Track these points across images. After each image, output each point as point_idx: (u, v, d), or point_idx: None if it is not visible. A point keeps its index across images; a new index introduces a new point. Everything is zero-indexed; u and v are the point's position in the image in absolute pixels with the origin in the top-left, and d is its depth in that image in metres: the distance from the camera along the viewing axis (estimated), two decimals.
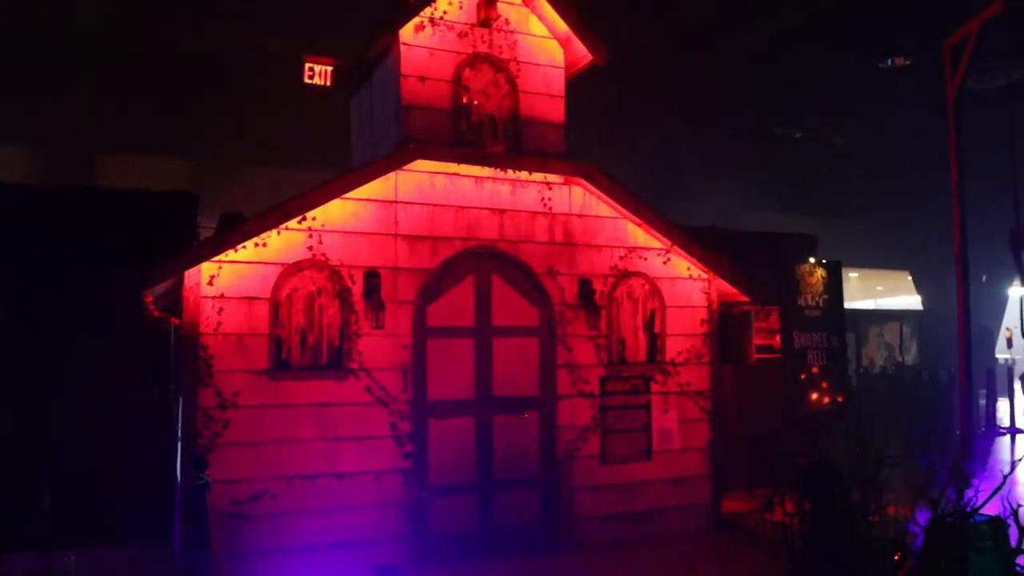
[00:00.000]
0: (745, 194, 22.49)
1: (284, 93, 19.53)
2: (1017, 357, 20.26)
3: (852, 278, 30.46)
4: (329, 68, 19.93)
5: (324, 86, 19.71)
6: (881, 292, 31.46)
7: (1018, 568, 4.43)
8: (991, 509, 5.02)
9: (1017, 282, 27.75)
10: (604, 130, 19.23)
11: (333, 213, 7.57)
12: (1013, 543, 4.57)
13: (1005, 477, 4.23)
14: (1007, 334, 19.28)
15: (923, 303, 24.92)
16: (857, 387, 19.61)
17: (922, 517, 4.62)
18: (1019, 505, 4.56)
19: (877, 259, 27.73)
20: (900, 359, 20.46)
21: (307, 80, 20.28)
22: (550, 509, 8.28)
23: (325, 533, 7.30)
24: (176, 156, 19.28)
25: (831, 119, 25.31)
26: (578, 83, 9.22)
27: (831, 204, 24.97)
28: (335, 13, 18.11)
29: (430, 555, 7.71)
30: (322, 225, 7.50)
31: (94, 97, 18.48)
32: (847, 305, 29.85)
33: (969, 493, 4.72)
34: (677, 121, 22.81)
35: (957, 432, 10.03)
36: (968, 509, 4.54)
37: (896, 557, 4.45)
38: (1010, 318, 22.21)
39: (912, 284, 26.58)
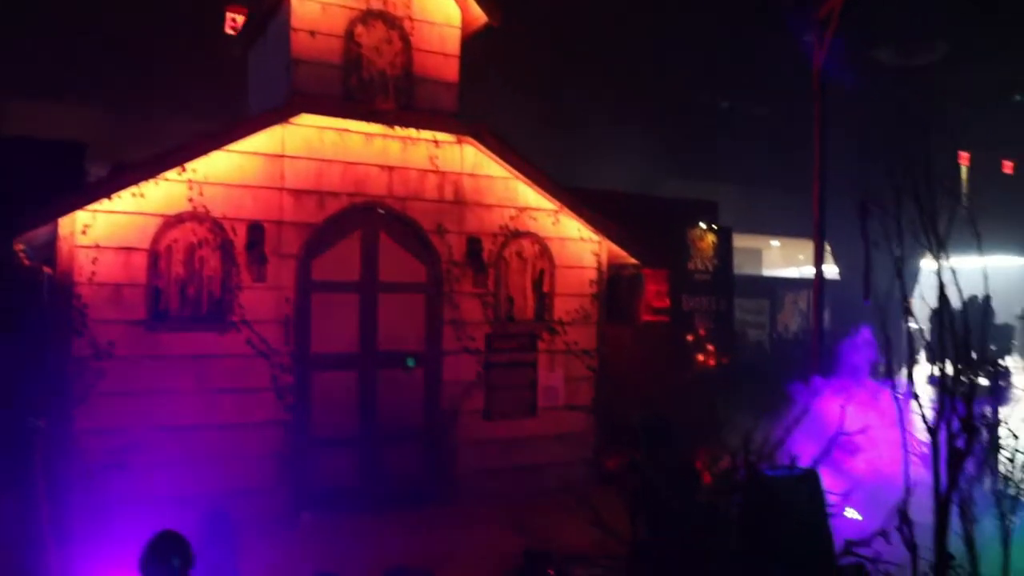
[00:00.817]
0: (669, 161, 22.75)
1: (201, 44, 19.10)
2: (919, 327, 20.95)
3: (774, 247, 31.09)
4: None
5: None
6: (803, 261, 32.08)
7: (829, 511, 4.69)
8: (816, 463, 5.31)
9: (928, 254, 28.62)
10: (516, 93, 19.22)
11: (217, 165, 7.53)
12: (826, 493, 4.84)
13: (799, 420, 4.47)
14: (907, 303, 19.92)
15: (840, 273, 25.59)
16: (771, 351, 20.17)
17: (746, 471, 4.84)
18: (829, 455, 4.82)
19: (800, 229, 28.32)
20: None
21: (228, 30, 19.84)
22: (433, 463, 8.44)
23: (204, 483, 7.34)
24: (86, 105, 18.77)
25: (759, 91, 25.65)
26: (486, 43, 9.25)
27: (755, 175, 25.39)
28: None
29: (312, 507, 7.83)
30: (205, 177, 7.46)
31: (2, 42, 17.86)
32: (768, 273, 30.42)
33: (794, 448, 4.97)
34: (598, 86, 22.88)
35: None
36: (789, 463, 4.78)
37: (719, 506, 4.68)
38: (925, 289, 22.99)
39: (831, 254, 27.22)
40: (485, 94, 12.63)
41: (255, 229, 7.64)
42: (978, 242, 4.13)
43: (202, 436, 7.39)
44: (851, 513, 5.69)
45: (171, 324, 7.35)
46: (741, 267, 27.08)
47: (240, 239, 7.59)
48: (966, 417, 3.74)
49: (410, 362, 8.34)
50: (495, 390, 8.76)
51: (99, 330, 7.05)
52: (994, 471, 4.25)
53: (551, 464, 8.96)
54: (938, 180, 4.01)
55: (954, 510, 3.88)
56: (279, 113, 7.76)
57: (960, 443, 3.74)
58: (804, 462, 5.20)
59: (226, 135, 7.50)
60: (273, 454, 7.69)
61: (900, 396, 4.06)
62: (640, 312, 9.36)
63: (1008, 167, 28.49)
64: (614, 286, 9.38)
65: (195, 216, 7.43)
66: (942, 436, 3.76)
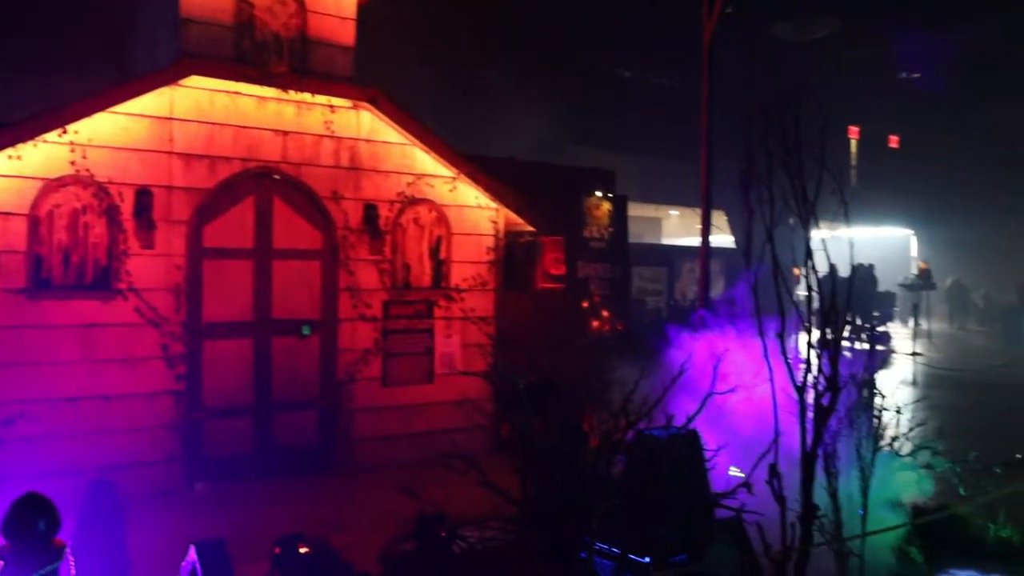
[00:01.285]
0: (570, 130, 22.96)
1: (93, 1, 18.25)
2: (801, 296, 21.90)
3: (673, 216, 31.78)
4: None
5: None
6: (700, 230, 32.91)
7: (709, 466, 4.90)
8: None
9: (821, 225, 29.75)
10: (416, 60, 19.08)
11: (101, 127, 7.26)
12: (706, 451, 5.07)
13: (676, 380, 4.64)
14: (797, 273, 20.75)
15: (735, 242, 26.39)
16: (668, 318, 20.68)
17: (629, 431, 5.00)
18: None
19: (699, 200, 28.96)
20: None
21: None
22: (330, 431, 8.43)
23: (92, 456, 7.16)
24: None
25: (663, 62, 26.04)
26: (385, 9, 9.14)
27: (655, 145, 25.84)
28: None
29: (205, 476, 7.74)
30: (88, 139, 7.19)
31: None
32: (668, 241, 31.06)
33: (677, 408, 5.15)
34: (500, 53, 22.88)
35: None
36: (666, 422, 4.95)
37: (602, 467, 4.81)
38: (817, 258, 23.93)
39: (727, 223, 28.01)
40: (383, 61, 12.48)
41: (143, 194, 7.42)
42: (845, 212, 4.35)
43: (89, 408, 7.20)
44: (734, 471, 5.96)
45: (54, 292, 7.10)
46: (642, 236, 27.64)
47: (127, 204, 7.37)
48: (831, 377, 3.96)
49: (306, 330, 8.27)
50: (392, 357, 8.78)
51: None
52: (862, 427, 4.51)
53: (449, 430, 9.02)
54: (808, 150, 4.19)
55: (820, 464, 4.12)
56: (167, 74, 7.53)
57: (825, 401, 3.96)
58: (684, 420, 5.41)
59: (110, 96, 7.23)
60: (165, 425, 7.55)
61: (774, 357, 4.26)
62: (537, 279, 9.48)
63: (894, 142, 29.83)
64: (511, 253, 9.48)
65: (78, 180, 7.16)
66: (809, 394, 3.97)
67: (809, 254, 4.33)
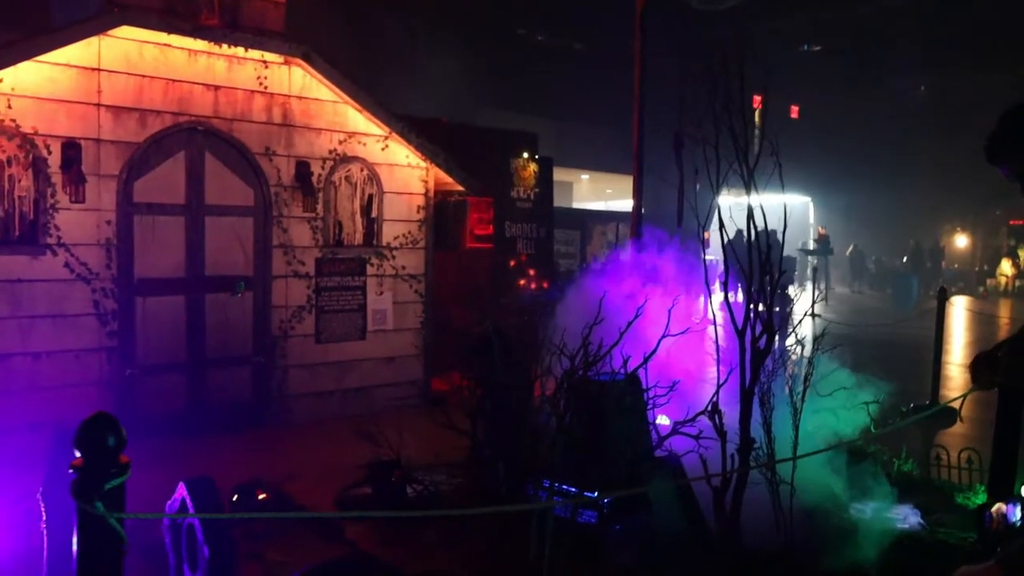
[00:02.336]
0: (484, 92, 23.05)
1: None
2: (713, 258, 22.76)
3: (584, 180, 32.26)
4: None
5: None
6: (611, 195, 33.55)
7: (650, 420, 5.22)
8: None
9: (724, 190, 30.76)
10: (332, 19, 18.86)
11: (26, 77, 7.06)
12: (647, 395, 5.39)
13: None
14: (706, 235, 21.48)
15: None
16: (579, 279, 21.11)
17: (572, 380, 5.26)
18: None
19: (608, 164, 29.51)
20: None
21: None
22: (263, 387, 8.48)
23: (21, 414, 7.05)
24: None
25: (574, 26, 26.29)
26: None
27: (568, 108, 26.15)
28: None
29: (139, 433, 7.63)
30: (12, 89, 6.99)
31: None
32: (577, 205, 31.54)
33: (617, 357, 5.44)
34: (427, 15, 22.77)
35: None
36: (610, 370, 5.23)
37: (546, 414, 5.06)
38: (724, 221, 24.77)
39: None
40: (299, 19, 12.31)
41: (70, 147, 7.27)
42: (779, 172, 4.66)
43: (17, 365, 7.08)
44: (662, 419, 6.32)
45: None
46: (554, 200, 28.01)
47: (55, 157, 7.21)
48: (767, 322, 4.31)
49: (239, 287, 8.27)
50: (325, 314, 8.85)
51: None
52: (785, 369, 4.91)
53: (382, 386, 9.21)
54: (739, 115, 4.49)
55: (756, 402, 4.48)
56: (95, 23, 7.34)
57: (761, 344, 4.31)
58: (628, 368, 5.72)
59: (35, 44, 7.02)
60: (96, 381, 7.48)
61: (719, 306, 4.59)
62: (465, 238, 9.67)
63: (795, 112, 30.90)
64: (441, 213, 9.63)
65: (3, 131, 6.96)
66: (747, 338, 4.31)
67: (716, 217, 4.67)
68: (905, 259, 29.54)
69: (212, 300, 8.17)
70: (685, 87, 4.96)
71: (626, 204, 32.21)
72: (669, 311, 5.25)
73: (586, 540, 4.70)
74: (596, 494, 4.71)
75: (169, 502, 3.74)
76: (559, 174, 30.16)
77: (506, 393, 5.05)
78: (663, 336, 5.08)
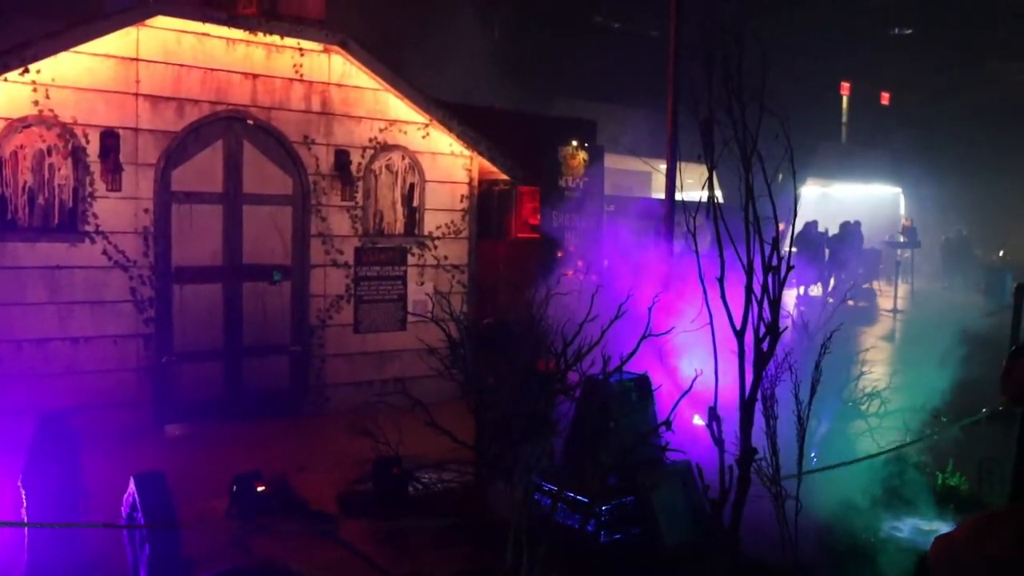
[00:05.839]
0: (559, 80, 22.75)
1: None
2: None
3: (662, 169, 31.56)
4: None
5: None
6: (691, 184, 32.84)
7: (658, 419, 4.96)
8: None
9: (810, 181, 29.73)
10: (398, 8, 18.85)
11: (66, 67, 7.17)
12: (656, 398, 5.13)
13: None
14: (780, 226, 20.79)
15: (722, 196, 26.31)
16: (618, 272, 20.74)
17: (580, 376, 5.02)
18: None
19: (687, 154, 28.81)
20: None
21: None
22: (301, 376, 8.47)
23: (60, 397, 7.18)
24: None
25: (652, 11, 25.69)
26: None
27: (645, 98, 25.59)
28: None
29: (176, 418, 7.81)
30: (52, 79, 7.11)
31: None
32: (657, 196, 30.91)
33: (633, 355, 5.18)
34: (501, 6, 22.61)
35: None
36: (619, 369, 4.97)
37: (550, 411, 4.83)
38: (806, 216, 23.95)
39: (717, 178, 27.90)
40: (364, 7, 12.30)
41: (109, 136, 7.37)
42: (790, 157, 4.31)
43: (57, 349, 7.23)
44: (698, 420, 6.02)
45: (20, 234, 7.08)
46: (631, 190, 27.53)
47: (93, 146, 7.32)
48: (771, 323, 3.98)
49: (276, 275, 8.27)
50: (364, 304, 8.79)
51: None
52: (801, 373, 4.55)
53: (421, 377, 9.05)
54: (756, 97, 4.15)
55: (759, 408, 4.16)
56: (132, 14, 7.41)
57: (765, 346, 3.99)
58: (641, 366, 5.46)
59: (73, 35, 7.12)
60: (134, 367, 7.58)
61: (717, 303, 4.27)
62: (511, 228, 9.46)
63: (885, 98, 29.59)
64: (485, 202, 9.45)
65: (42, 120, 7.10)
66: (748, 339, 3.99)
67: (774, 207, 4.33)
68: (1001, 253, 27.96)
69: (250, 289, 8.19)
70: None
71: (703, 194, 31.33)
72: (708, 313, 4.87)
73: (572, 548, 4.46)
74: (587, 500, 4.47)
75: (125, 496, 3.67)
76: (635, 164, 29.66)
77: (501, 390, 4.83)
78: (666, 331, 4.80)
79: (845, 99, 29.27)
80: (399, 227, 8.99)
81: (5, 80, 6.87)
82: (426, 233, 9.13)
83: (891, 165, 30.37)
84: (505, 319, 5.19)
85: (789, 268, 4.17)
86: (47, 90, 7.08)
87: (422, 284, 9.10)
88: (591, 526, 4.58)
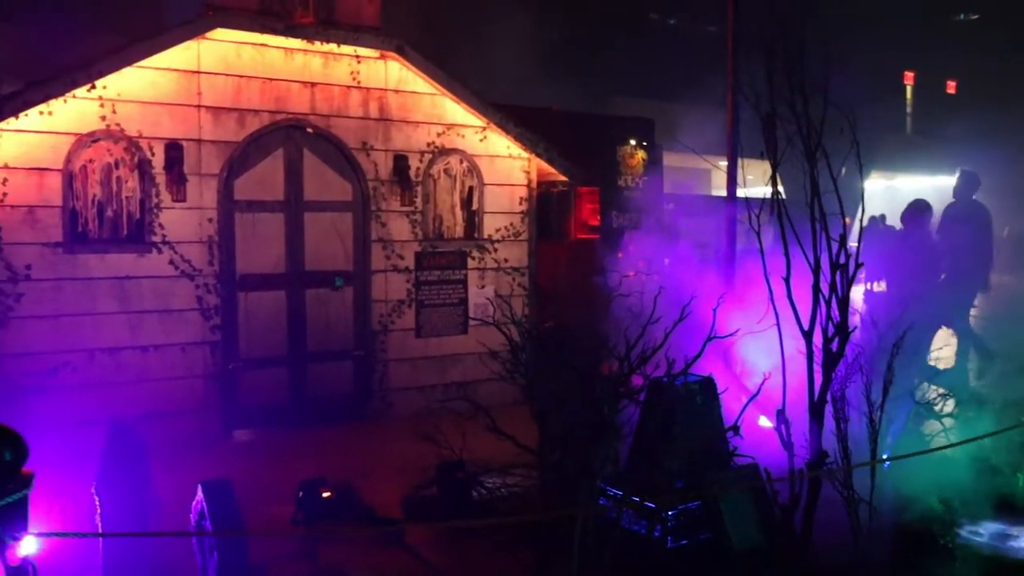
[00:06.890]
0: (617, 80, 22.60)
1: None
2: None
3: (723, 167, 31.14)
4: None
5: None
6: (752, 181, 32.34)
7: (724, 422, 4.85)
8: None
9: (874, 174, 29.00)
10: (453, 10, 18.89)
11: (130, 82, 7.34)
12: (721, 401, 5.01)
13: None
14: (846, 221, 20.33)
15: (784, 192, 25.86)
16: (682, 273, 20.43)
17: (645, 379, 4.94)
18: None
19: (747, 150, 28.37)
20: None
21: None
22: (364, 381, 8.53)
23: (131, 405, 7.35)
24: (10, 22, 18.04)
25: (709, 9, 25.39)
26: None
27: (704, 95, 25.28)
28: None
29: (243, 424, 7.92)
30: (117, 94, 7.28)
31: None
32: (716, 193, 30.60)
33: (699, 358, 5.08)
34: (550, 5, 22.55)
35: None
36: (683, 369, 4.88)
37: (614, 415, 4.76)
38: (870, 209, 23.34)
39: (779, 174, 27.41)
40: (421, 13, 12.35)
41: (173, 148, 7.51)
42: (857, 151, 4.17)
43: (128, 358, 7.39)
44: (764, 422, 5.89)
45: (90, 246, 7.26)
46: (691, 188, 27.24)
47: (158, 158, 7.47)
48: (840, 322, 3.86)
49: (338, 281, 8.34)
50: (426, 308, 8.82)
51: (14, 253, 6.95)
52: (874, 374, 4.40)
53: (483, 381, 9.05)
54: (820, 90, 4.04)
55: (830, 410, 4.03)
56: (192, 27, 7.55)
57: (834, 346, 3.86)
58: (707, 368, 5.35)
59: (136, 51, 7.28)
60: (202, 375, 7.72)
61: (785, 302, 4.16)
62: (571, 229, 9.41)
63: (951, 87, 28.74)
64: (545, 204, 9.41)
65: (109, 135, 7.27)
66: (817, 340, 3.88)
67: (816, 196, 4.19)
68: None
69: (312, 295, 8.28)
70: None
71: (765, 190, 30.85)
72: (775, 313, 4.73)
73: (638, 554, 4.38)
74: (655, 506, 4.39)
75: (193, 503, 3.71)
76: (695, 161, 29.35)
77: (564, 395, 4.78)
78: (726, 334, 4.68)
79: (909, 89, 28.53)
80: (458, 231, 9.00)
81: (74, 97, 7.05)
82: (485, 236, 9.12)
83: (957, 155, 29.43)
84: (567, 322, 5.12)
85: (858, 265, 4.03)
86: (113, 105, 7.25)
87: (483, 287, 9.10)
88: (658, 531, 4.50)
